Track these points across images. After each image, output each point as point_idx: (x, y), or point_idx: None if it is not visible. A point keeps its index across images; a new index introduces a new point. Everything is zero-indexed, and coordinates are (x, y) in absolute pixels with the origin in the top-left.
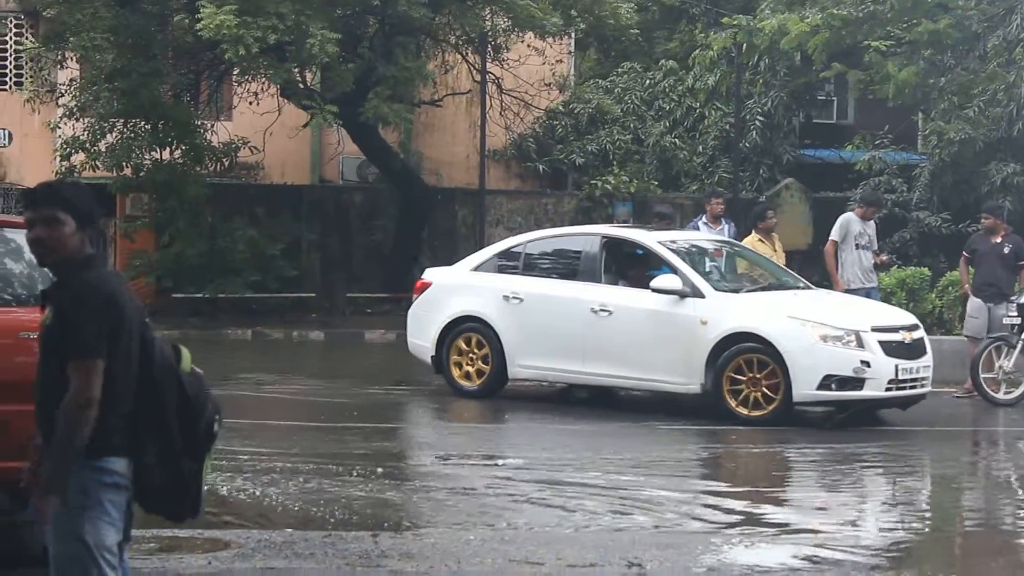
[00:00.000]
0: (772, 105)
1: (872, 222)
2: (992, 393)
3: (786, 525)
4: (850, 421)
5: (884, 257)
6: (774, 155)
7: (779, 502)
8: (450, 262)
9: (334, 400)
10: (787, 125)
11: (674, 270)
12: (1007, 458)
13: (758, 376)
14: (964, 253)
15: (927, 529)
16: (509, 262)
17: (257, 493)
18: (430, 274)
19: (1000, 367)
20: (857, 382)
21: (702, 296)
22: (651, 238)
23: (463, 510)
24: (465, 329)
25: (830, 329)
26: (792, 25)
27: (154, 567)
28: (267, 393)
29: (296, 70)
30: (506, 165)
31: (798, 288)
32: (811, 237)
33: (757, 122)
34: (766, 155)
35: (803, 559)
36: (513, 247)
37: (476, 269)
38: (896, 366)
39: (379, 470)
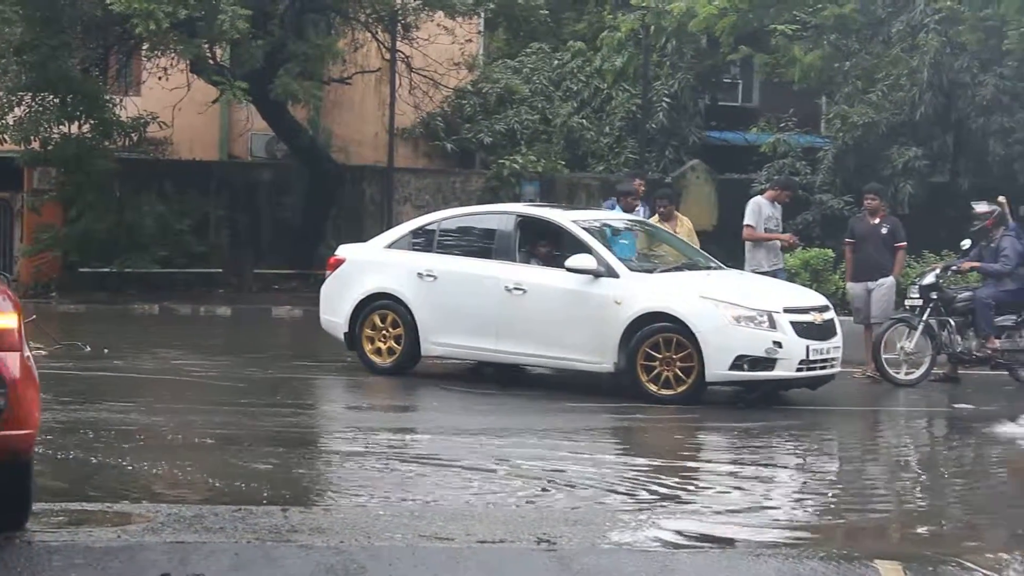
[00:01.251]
0: (679, 87)
1: (779, 205)
2: (894, 374)
3: (692, 502)
4: (759, 401)
5: (793, 239)
6: (680, 137)
7: (687, 479)
8: (358, 239)
9: (243, 375)
10: (693, 107)
11: (588, 250)
12: (908, 437)
13: (672, 355)
14: (847, 239)
15: (828, 508)
16: (423, 239)
17: (167, 468)
18: (343, 251)
19: (901, 348)
20: (769, 362)
21: (616, 276)
22: (565, 217)
23: (374, 486)
24: (378, 306)
25: (743, 310)
26: (700, 8)
27: (63, 540)
28: (175, 368)
29: (206, 46)
30: (414, 144)
31: (710, 268)
32: (716, 218)
33: (664, 104)
34: (672, 137)
35: (706, 536)
36: (427, 225)
37: (390, 246)
38: (807, 347)
39: (290, 446)
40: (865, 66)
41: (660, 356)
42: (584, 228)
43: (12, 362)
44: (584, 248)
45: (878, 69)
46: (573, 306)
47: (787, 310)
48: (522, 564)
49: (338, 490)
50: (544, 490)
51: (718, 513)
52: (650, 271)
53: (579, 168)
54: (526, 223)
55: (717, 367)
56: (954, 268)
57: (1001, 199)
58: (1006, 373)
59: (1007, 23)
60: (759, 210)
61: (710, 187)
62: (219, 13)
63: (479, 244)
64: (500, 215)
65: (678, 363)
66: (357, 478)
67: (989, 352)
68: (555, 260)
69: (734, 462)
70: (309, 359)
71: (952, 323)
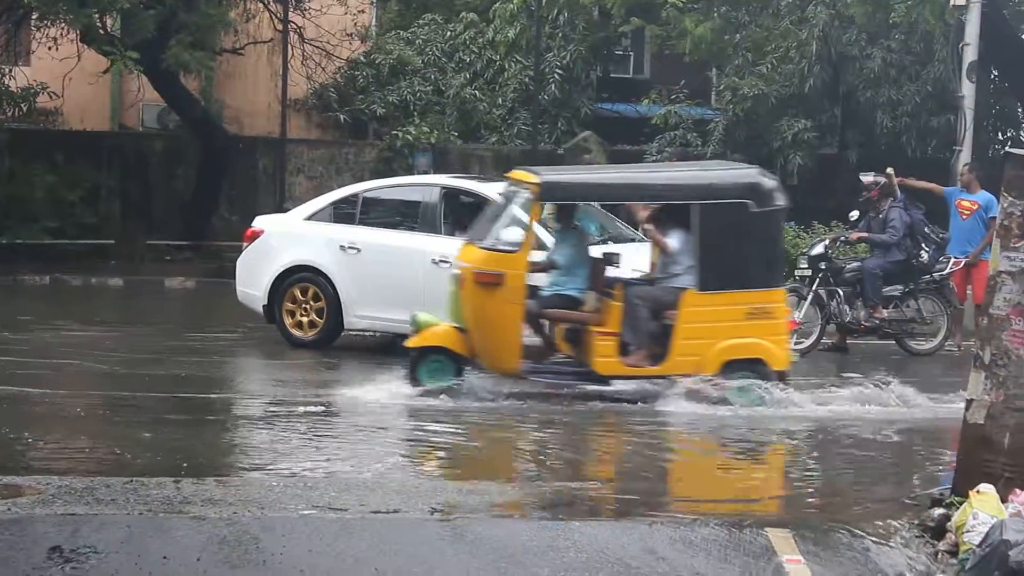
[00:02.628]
0: (571, 59)
1: None
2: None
3: (591, 476)
4: None
5: None
6: (572, 108)
7: (603, 453)
8: (251, 211)
9: (138, 346)
10: (585, 79)
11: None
12: None
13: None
14: None
15: (719, 478)
16: (345, 211)
17: (58, 439)
18: (261, 222)
19: (793, 318)
20: None
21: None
22: (492, 190)
23: (269, 457)
24: (299, 279)
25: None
26: None
27: None
28: (67, 340)
29: (96, 15)
30: (307, 115)
31: (633, 241)
32: None
33: (556, 75)
34: (565, 108)
35: (601, 507)
36: (349, 196)
37: (310, 218)
38: None
39: (187, 417)
40: (755, 38)
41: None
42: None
43: None
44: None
45: (768, 41)
46: None
47: None
48: (416, 534)
49: (233, 462)
50: (437, 462)
51: (610, 481)
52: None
53: (472, 139)
54: (450, 195)
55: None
56: (843, 239)
57: (888, 170)
58: (893, 343)
59: None
60: None
61: (602, 158)
62: None
63: (403, 216)
64: (424, 187)
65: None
66: (253, 449)
67: (877, 322)
68: None
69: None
70: (205, 330)
71: (841, 293)
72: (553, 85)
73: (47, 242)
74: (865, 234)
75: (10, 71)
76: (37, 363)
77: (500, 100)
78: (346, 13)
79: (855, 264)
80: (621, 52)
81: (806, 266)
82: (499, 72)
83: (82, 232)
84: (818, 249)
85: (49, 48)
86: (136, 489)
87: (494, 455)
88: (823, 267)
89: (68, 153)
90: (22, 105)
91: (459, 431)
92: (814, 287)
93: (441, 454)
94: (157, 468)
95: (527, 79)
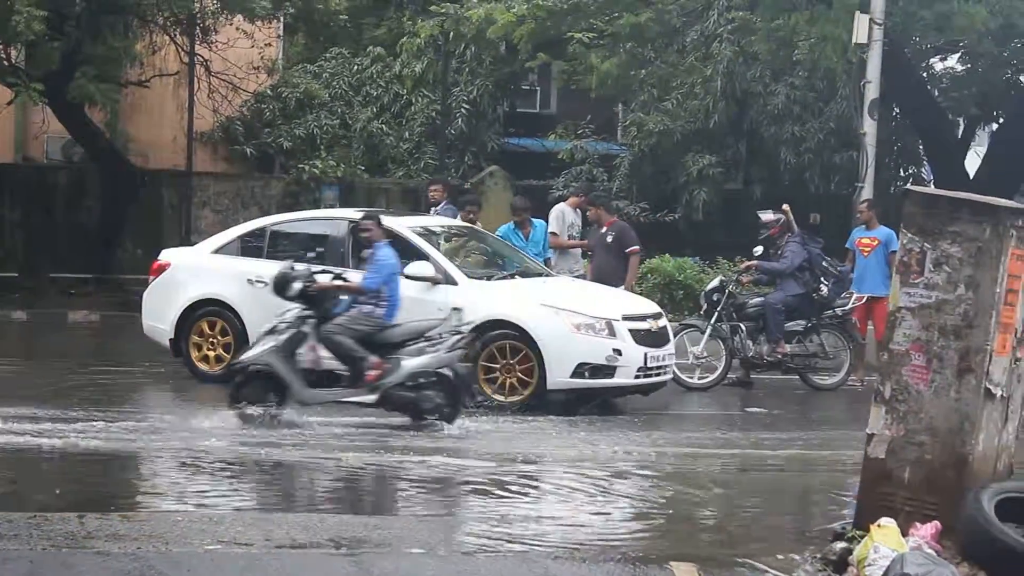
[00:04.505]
0: (478, 93)
1: (580, 211)
2: (687, 379)
3: (500, 508)
4: (596, 407)
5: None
6: (479, 143)
7: (501, 485)
8: (156, 244)
9: (41, 380)
10: (492, 113)
11: (426, 257)
12: (706, 441)
13: (512, 362)
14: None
15: (630, 514)
16: (253, 245)
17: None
18: (168, 255)
19: (691, 353)
20: (609, 370)
21: (455, 283)
22: (401, 224)
23: (174, 492)
24: (206, 313)
25: (583, 317)
26: (498, 15)
27: None
28: None
29: (0, 47)
30: (213, 148)
31: (542, 275)
32: None
33: (463, 110)
34: (471, 143)
35: (507, 540)
36: (257, 229)
37: (217, 251)
38: (645, 354)
39: (91, 452)
40: (661, 74)
41: (500, 363)
42: (419, 235)
43: None
44: (421, 255)
45: (673, 77)
46: (412, 313)
47: (625, 317)
48: (322, 569)
49: (138, 497)
50: (344, 496)
51: (524, 520)
52: (488, 278)
53: (379, 173)
54: (359, 229)
55: (559, 375)
56: (734, 271)
57: (785, 207)
58: (797, 378)
59: (797, 34)
60: (563, 217)
61: (509, 193)
62: (14, 14)
63: (311, 250)
64: (332, 221)
65: (520, 370)
66: (158, 485)
67: (779, 356)
68: None
69: (548, 468)
70: (111, 364)
71: (743, 328)
72: (460, 120)
73: None
74: (755, 262)
75: None
76: None
77: (407, 134)
78: (253, 46)
79: (757, 299)
80: (528, 87)
81: (703, 301)
82: (406, 106)
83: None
84: (714, 283)
85: None
86: (39, 524)
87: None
88: (716, 299)
89: None
90: None
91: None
92: (712, 321)
93: (356, 487)
94: (60, 504)
95: (434, 113)
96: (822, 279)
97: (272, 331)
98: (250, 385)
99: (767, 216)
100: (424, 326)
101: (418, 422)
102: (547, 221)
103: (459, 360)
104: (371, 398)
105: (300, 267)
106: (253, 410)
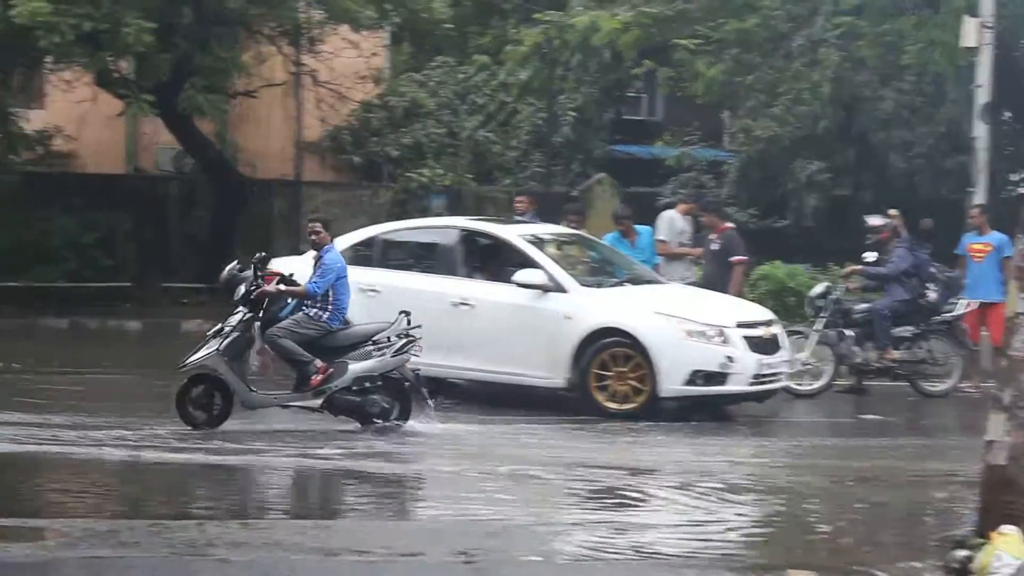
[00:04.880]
0: (584, 101)
1: (690, 218)
2: (793, 385)
3: (620, 515)
4: (709, 415)
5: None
6: (586, 150)
7: (619, 493)
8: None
9: (156, 389)
10: (598, 121)
11: (536, 265)
12: (824, 448)
13: (625, 370)
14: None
15: (748, 520)
16: (364, 254)
17: (80, 483)
18: (279, 264)
19: (798, 359)
20: (723, 377)
21: (565, 291)
22: (510, 232)
23: (292, 500)
24: None
25: (696, 325)
26: (603, 22)
27: None
28: (87, 382)
29: (111, 59)
30: (321, 157)
31: (653, 282)
32: None
33: (569, 117)
34: (578, 150)
35: (626, 549)
36: (368, 239)
37: None
38: (759, 361)
39: (209, 460)
40: (767, 80)
41: (612, 371)
42: (529, 242)
43: None
44: (531, 263)
45: (780, 83)
46: (522, 321)
47: (739, 324)
48: None
49: (256, 505)
50: (465, 505)
51: (640, 528)
52: (598, 286)
53: (486, 181)
54: (469, 237)
55: (671, 382)
56: (841, 276)
57: (892, 212)
58: (908, 384)
59: (904, 38)
60: (672, 223)
61: (616, 201)
62: (124, 26)
63: (423, 259)
64: (443, 229)
65: (631, 378)
66: (275, 493)
67: (887, 363)
68: (499, 274)
69: (673, 478)
70: None
71: (851, 334)
72: (566, 127)
73: (64, 285)
74: (859, 267)
75: (25, 114)
76: (57, 406)
77: (514, 142)
78: (359, 56)
79: (864, 305)
80: (634, 94)
81: (810, 307)
82: (512, 114)
83: (99, 275)
84: (818, 289)
85: (64, 91)
86: (160, 532)
87: None
88: (820, 305)
89: (84, 196)
90: (37, 148)
91: None
92: (817, 327)
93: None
94: (181, 511)
95: (540, 121)
96: (929, 284)
97: (218, 333)
98: (196, 388)
99: (874, 221)
100: (372, 329)
101: (367, 426)
102: (655, 228)
103: (408, 363)
104: (316, 402)
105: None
106: (198, 414)
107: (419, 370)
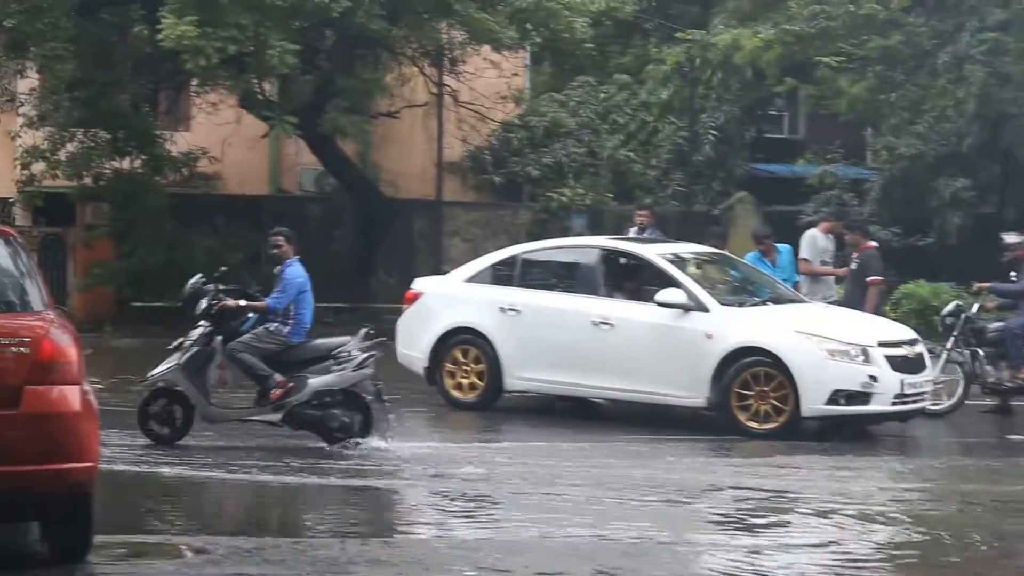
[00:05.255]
0: (725, 119)
1: (832, 236)
2: (928, 405)
3: (760, 536)
4: (850, 435)
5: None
6: (727, 169)
7: (762, 513)
8: (408, 273)
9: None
10: (739, 139)
11: (677, 284)
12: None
13: (766, 390)
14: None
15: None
16: (505, 273)
17: (223, 500)
18: (421, 284)
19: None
20: (865, 397)
21: (706, 310)
22: (651, 251)
23: (434, 518)
24: (460, 341)
25: (837, 344)
26: (745, 40)
27: (123, 572)
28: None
29: (255, 81)
30: (462, 177)
31: (795, 301)
32: None
33: (710, 136)
34: (719, 169)
35: (762, 571)
36: (508, 258)
37: (470, 280)
38: (902, 380)
39: (351, 478)
40: (911, 97)
41: (754, 391)
42: (670, 261)
43: (72, 395)
44: (672, 282)
45: (924, 100)
46: (663, 341)
47: (881, 344)
48: None
49: (397, 522)
50: (603, 525)
51: (773, 549)
52: (740, 305)
53: (626, 200)
54: (610, 257)
55: (813, 401)
56: (971, 294)
57: None
58: None
59: None
60: (814, 242)
61: (757, 219)
62: (268, 48)
63: (563, 278)
64: (583, 249)
65: (773, 397)
66: (417, 511)
67: (1021, 382)
68: (639, 293)
69: (815, 498)
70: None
71: (984, 353)
72: (707, 146)
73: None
74: (988, 284)
75: (171, 136)
76: (202, 424)
77: (654, 161)
78: (500, 76)
79: (998, 324)
80: (775, 112)
81: (940, 326)
82: (653, 133)
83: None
84: (949, 307)
85: (208, 114)
86: (303, 550)
87: None
88: (949, 324)
89: (228, 217)
90: (183, 170)
91: None
92: (948, 346)
93: (615, 516)
94: (323, 529)
95: (681, 140)
96: None
97: (178, 347)
98: (157, 402)
99: (1011, 238)
100: (333, 343)
101: (331, 444)
102: (795, 247)
103: (370, 378)
104: (275, 417)
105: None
106: (158, 428)
107: (381, 384)
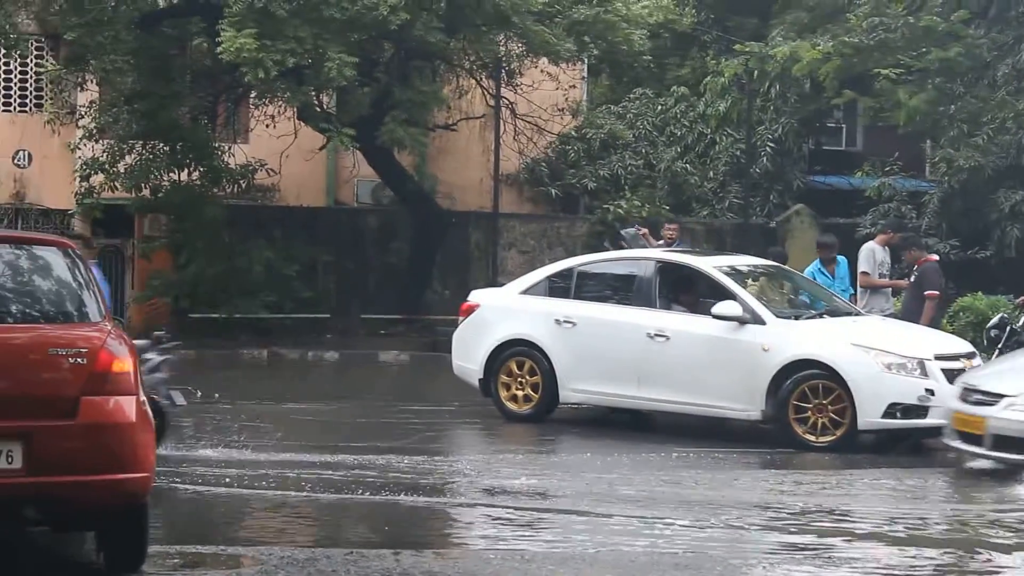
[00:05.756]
0: (782, 131)
1: (889, 248)
2: None
3: (825, 552)
4: (908, 448)
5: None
6: (784, 181)
7: (823, 528)
8: (464, 285)
9: (356, 420)
10: (797, 151)
11: (733, 296)
12: None
13: (823, 403)
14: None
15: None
16: (560, 285)
17: (279, 511)
18: (477, 296)
19: None
20: (921, 410)
21: (763, 323)
22: (707, 263)
23: (487, 530)
24: (515, 352)
25: (894, 357)
26: (803, 52)
27: None
28: (286, 412)
29: (313, 93)
30: (519, 189)
31: (852, 314)
32: None
33: (767, 148)
34: (776, 181)
35: None
36: (564, 270)
37: (525, 292)
38: None
39: (406, 490)
40: (971, 109)
41: (811, 403)
42: (726, 274)
43: (129, 406)
44: (728, 294)
45: (984, 112)
46: (718, 353)
47: (938, 357)
48: None
49: (451, 534)
50: (656, 538)
51: (835, 564)
52: (796, 317)
53: (683, 213)
54: (665, 269)
55: (870, 415)
56: (1015, 306)
57: None
58: None
59: None
60: (872, 256)
61: (815, 232)
62: (326, 61)
63: (618, 290)
64: (639, 261)
65: (830, 410)
66: (471, 523)
67: None
68: (694, 306)
69: (863, 511)
70: (423, 403)
71: None
72: (765, 158)
73: (265, 316)
74: None
75: (229, 149)
76: (256, 435)
77: (711, 173)
78: (557, 88)
79: None
80: (833, 124)
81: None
82: (710, 145)
83: (299, 306)
84: (994, 320)
85: (267, 126)
86: (356, 560)
87: None
88: (993, 335)
89: (285, 228)
90: (241, 182)
91: None
92: (993, 357)
93: (665, 530)
94: (376, 540)
95: (738, 152)
96: None
97: None
98: None
99: None
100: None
101: None
102: (851, 259)
103: (166, 380)
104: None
105: None
106: None
107: (175, 391)
